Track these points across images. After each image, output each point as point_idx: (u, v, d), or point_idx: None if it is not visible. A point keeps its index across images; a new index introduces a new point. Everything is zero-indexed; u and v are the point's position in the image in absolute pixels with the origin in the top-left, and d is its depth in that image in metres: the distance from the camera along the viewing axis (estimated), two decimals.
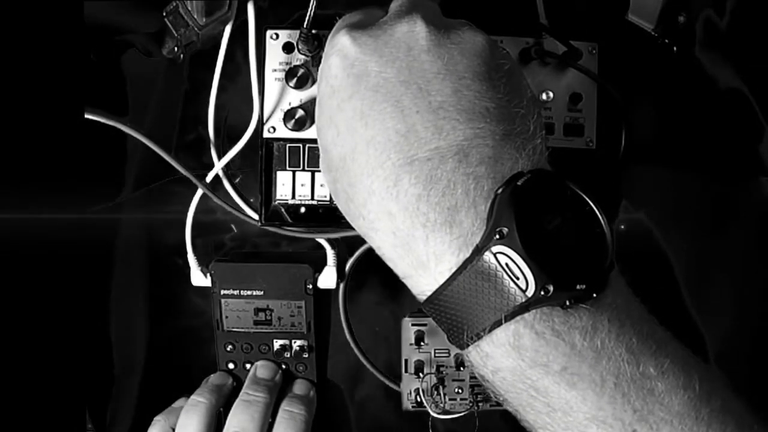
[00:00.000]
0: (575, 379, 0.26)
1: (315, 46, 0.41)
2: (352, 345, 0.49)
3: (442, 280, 0.27)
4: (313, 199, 0.44)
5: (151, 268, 0.50)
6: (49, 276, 0.51)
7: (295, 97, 0.42)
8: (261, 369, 0.48)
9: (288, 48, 0.42)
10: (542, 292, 0.26)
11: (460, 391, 0.48)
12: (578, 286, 0.26)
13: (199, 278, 0.48)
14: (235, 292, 0.47)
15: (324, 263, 0.47)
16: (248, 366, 0.49)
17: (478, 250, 0.26)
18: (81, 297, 0.51)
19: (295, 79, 0.41)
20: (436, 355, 0.48)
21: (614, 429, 0.26)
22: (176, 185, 0.46)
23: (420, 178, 0.28)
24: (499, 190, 0.27)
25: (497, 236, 0.26)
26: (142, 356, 0.51)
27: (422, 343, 0.47)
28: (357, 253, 0.48)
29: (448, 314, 0.28)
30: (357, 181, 0.29)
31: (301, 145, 0.43)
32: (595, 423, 0.26)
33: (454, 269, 0.27)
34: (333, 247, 0.48)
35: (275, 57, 0.42)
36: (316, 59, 0.42)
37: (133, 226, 0.49)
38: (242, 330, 0.48)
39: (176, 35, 0.42)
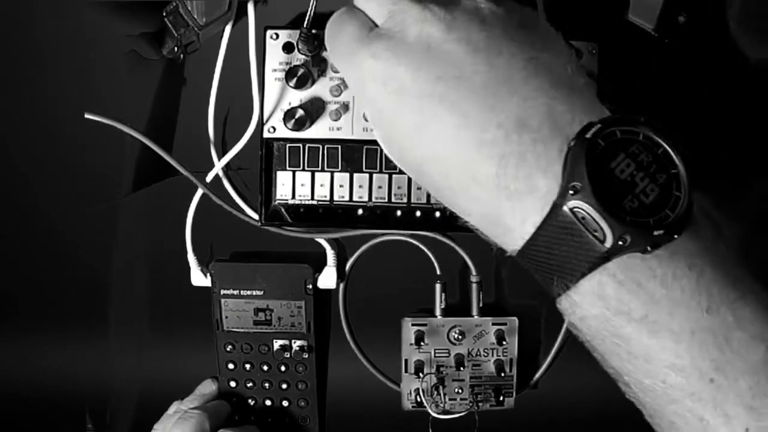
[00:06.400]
0: (655, 327, 0.27)
1: (315, 45, 0.41)
2: (352, 345, 0.50)
3: (527, 237, 0.29)
4: (313, 199, 0.44)
5: (151, 268, 0.50)
6: (48, 275, 0.51)
7: (295, 97, 0.42)
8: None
9: (288, 48, 0.42)
10: (620, 242, 0.26)
11: (460, 391, 0.48)
12: (655, 232, 0.27)
13: (199, 278, 0.48)
14: (235, 292, 0.47)
15: (324, 263, 0.47)
16: (248, 366, 0.49)
17: (556, 207, 0.27)
18: (80, 296, 0.51)
19: (295, 79, 0.41)
20: (436, 355, 0.48)
21: (692, 377, 0.27)
22: (176, 185, 0.46)
23: (493, 159, 0.28)
24: (572, 143, 0.27)
25: (571, 191, 0.27)
26: (141, 357, 0.51)
27: (422, 343, 0.47)
28: (357, 253, 0.48)
29: (538, 266, 0.29)
30: (441, 187, 0.31)
31: (301, 145, 0.43)
32: (674, 371, 0.27)
33: (538, 225, 0.28)
34: (333, 247, 0.48)
35: (275, 57, 0.42)
36: (316, 59, 0.42)
37: (133, 226, 0.49)
38: (242, 330, 0.48)
39: (176, 35, 0.42)
